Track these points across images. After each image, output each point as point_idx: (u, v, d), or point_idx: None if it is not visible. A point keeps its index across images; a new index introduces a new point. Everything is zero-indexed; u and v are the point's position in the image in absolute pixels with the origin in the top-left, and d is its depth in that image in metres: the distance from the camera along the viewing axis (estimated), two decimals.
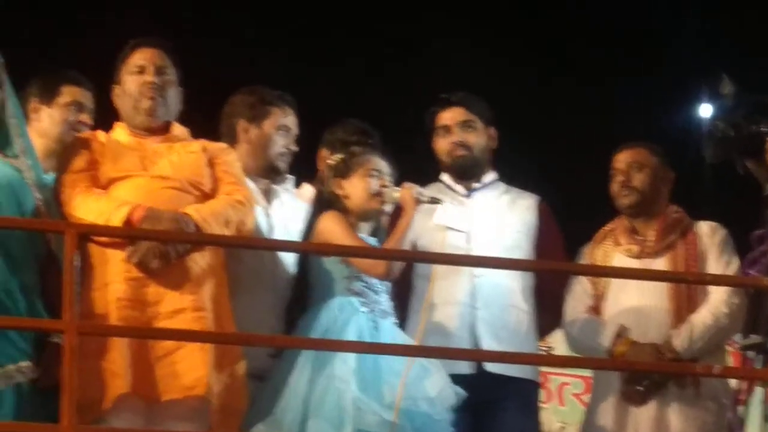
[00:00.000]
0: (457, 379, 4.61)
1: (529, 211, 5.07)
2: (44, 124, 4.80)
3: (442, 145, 5.07)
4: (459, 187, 5.08)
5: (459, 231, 4.94)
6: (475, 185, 5.08)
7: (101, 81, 4.78)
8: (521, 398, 4.92)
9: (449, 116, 5.06)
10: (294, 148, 4.94)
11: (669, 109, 7.75)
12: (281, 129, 4.91)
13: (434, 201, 4.72)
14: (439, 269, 4.76)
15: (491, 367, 4.80)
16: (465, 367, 4.77)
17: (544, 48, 7.94)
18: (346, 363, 4.36)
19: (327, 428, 4.29)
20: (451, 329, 4.83)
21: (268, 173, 4.91)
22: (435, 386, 4.43)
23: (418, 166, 5.17)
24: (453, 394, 4.47)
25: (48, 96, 4.81)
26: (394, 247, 4.55)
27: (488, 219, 5.01)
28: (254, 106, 4.91)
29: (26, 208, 4.23)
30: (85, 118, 4.84)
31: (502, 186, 5.13)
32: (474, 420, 4.74)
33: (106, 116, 4.75)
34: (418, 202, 4.64)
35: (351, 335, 4.43)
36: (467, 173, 5.07)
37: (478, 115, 5.08)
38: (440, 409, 4.45)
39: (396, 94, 7.61)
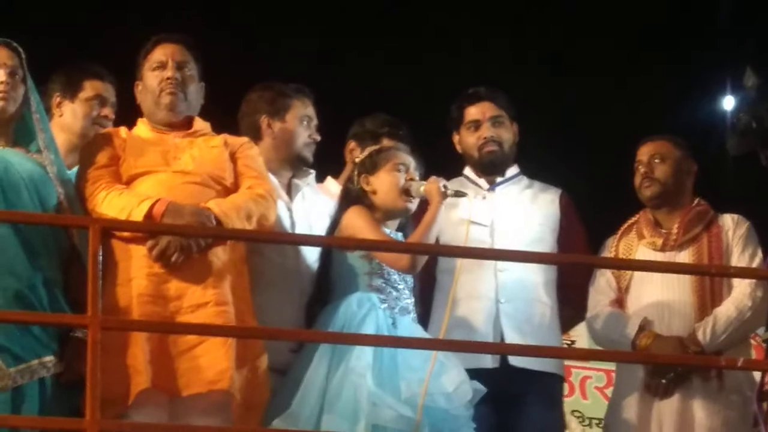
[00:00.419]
0: (481, 373, 4.62)
1: (551, 204, 5.07)
2: (67, 119, 4.82)
3: (471, 140, 5.05)
4: (482, 181, 5.08)
5: (482, 225, 4.94)
6: (498, 179, 5.08)
7: (124, 75, 4.79)
8: (545, 392, 4.92)
9: (478, 111, 5.04)
10: (317, 137, 4.94)
11: (692, 102, 7.71)
12: (304, 120, 4.92)
13: (459, 194, 4.70)
14: (463, 263, 4.75)
15: (515, 361, 4.80)
16: (489, 361, 4.77)
17: (568, 41, 7.92)
18: (362, 357, 4.36)
19: (342, 423, 4.29)
20: (476, 323, 4.83)
21: (295, 165, 4.91)
22: (452, 382, 4.43)
23: (439, 160, 5.17)
24: (470, 389, 4.46)
25: (71, 91, 4.83)
26: (420, 240, 4.55)
27: (511, 213, 5.01)
28: (274, 100, 4.92)
29: (49, 203, 4.25)
30: (108, 112, 4.86)
31: (524, 180, 5.12)
32: (498, 414, 4.75)
33: (129, 111, 4.77)
34: (444, 195, 4.63)
35: (369, 330, 4.44)
36: (496, 168, 5.07)
37: (505, 110, 5.07)
38: (458, 405, 4.44)
39: (418, 88, 7.60)
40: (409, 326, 4.57)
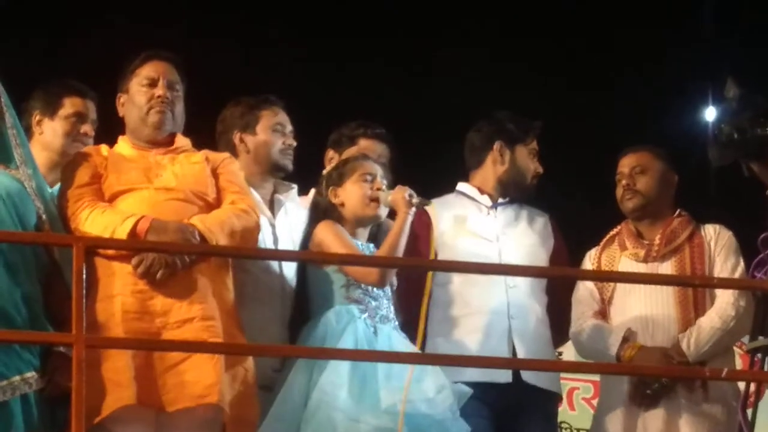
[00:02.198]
0: (494, 387, 4.67)
1: (545, 228, 5.12)
2: (47, 136, 4.80)
3: (532, 165, 5.09)
4: (485, 199, 5.09)
5: (489, 240, 4.96)
6: (500, 200, 5.10)
7: (103, 88, 4.79)
8: (546, 410, 4.97)
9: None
10: (292, 142, 4.94)
11: (674, 113, 7.73)
12: (275, 128, 4.93)
13: (424, 203, 4.72)
14: (465, 276, 4.82)
15: (527, 377, 4.83)
16: (503, 376, 4.79)
17: (546, 52, 7.93)
18: (336, 374, 4.34)
19: None
20: (490, 338, 4.85)
21: (275, 174, 4.92)
22: (433, 387, 4.42)
23: (440, 172, 5.19)
24: (452, 393, 4.45)
25: (50, 108, 4.81)
26: (389, 251, 4.55)
27: (513, 233, 5.04)
28: (243, 115, 4.94)
29: (28, 219, 4.23)
30: (87, 129, 4.84)
31: (516, 204, 5.14)
32: (498, 428, 4.76)
33: (109, 124, 4.76)
34: (410, 204, 4.63)
35: (348, 343, 4.43)
36: (519, 198, 5.10)
37: None
38: (441, 409, 4.43)
39: (411, 101, 7.61)
40: (390, 334, 4.57)
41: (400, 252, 4.58)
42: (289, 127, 4.96)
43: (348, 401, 4.32)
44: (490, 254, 4.92)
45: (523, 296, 4.92)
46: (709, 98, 7.41)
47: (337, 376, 4.34)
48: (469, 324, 4.84)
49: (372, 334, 4.51)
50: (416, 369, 4.40)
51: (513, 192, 5.09)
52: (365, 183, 4.67)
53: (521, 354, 4.84)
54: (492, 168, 5.09)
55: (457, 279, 4.89)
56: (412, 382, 4.38)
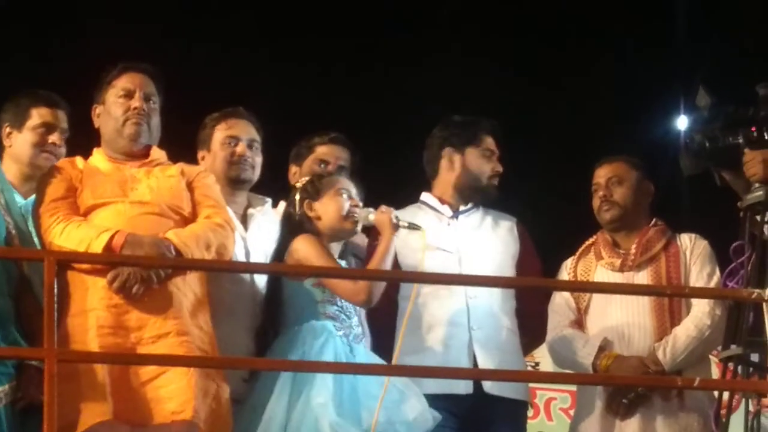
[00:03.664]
0: (453, 398, 4.65)
1: (510, 233, 5.09)
2: (15, 148, 4.78)
3: (485, 166, 5.04)
4: (445, 209, 5.07)
5: (448, 252, 4.94)
6: (462, 208, 5.08)
7: (79, 98, 4.76)
8: (513, 419, 4.94)
9: (494, 144, 5.07)
10: (244, 152, 4.90)
11: (646, 122, 7.76)
12: (226, 142, 4.92)
13: (413, 227, 4.71)
14: (431, 290, 4.77)
15: (489, 387, 4.81)
16: (463, 387, 4.77)
17: (517, 60, 7.94)
18: (323, 388, 4.33)
19: None
20: (450, 349, 4.82)
21: (233, 186, 4.89)
22: (413, 410, 4.41)
23: (399, 180, 5.17)
24: (431, 417, 4.44)
25: (18, 120, 4.79)
26: (370, 282, 4.51)
27: (475, 240, 5.01)
28: (203, 132, 4.98)
29: None
30: (56, 138, 4.80)
31: (481, 209, 5.12)
32: None
33: (84, 134, 4.73)
34: (396, 227, 4.63)
35: (328, 359, 4.41)
36: (481, 200, 5.07)
37: None
38: None
39: (384, 107, 7.61)
40: (365, 354, 4.56)
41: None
42: (245, 137, 4.94)
43: (334, 416, 4.30)
44: (449, 266, 4.88)
45: (486, 306, 4.89)
46: (680, 107, 7.44)
47: (325, 390, 4.32)
48: (429, 337, 4.81)
49: (349, 353, 4.50)
50: (396, 391, 4.39)
51: (472, 197, 5.05)
52: (341, 198, 4.66)
53: (483, 365, 4.81)
54: (446, 175, 5.07)
55: (423, 292, 4.85)
56: (393, 403, 4.37)
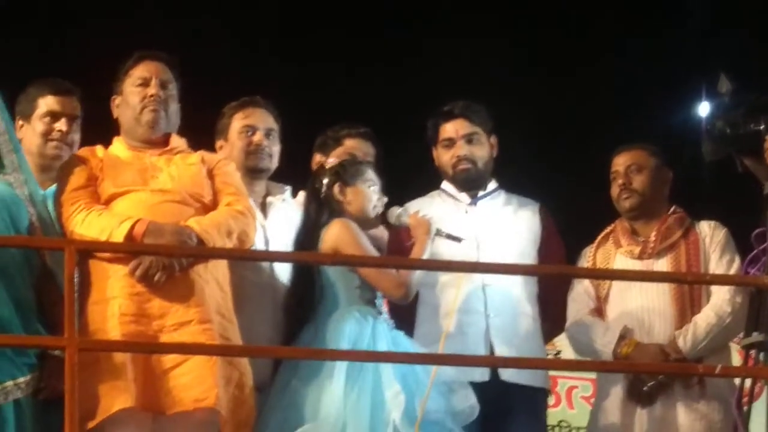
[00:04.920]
0: (474, 386, 4.63)
1: (532, 218, 5.08)
2: (26, 141, 4.75)
3: (446, 158, 5.05)
4: (462, 196, 5.07)
5: (463, 241, 4.94)
6: (480, 193, 5.08)
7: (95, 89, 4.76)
8: (531, 406, 4.93)
9: (452, 129, 5.03)
10: (261, 142, 4.92)
11: (668, 108, 7.73)
12: (244, 131, 4.93)
13: (452, 238, 4.71)
14: (451, 278, 4.78)
15: (506, 374, 4.81)
16: (480, 375, 4.76)
17: (540, 49, 7.93)
18: (392, 377, 4.32)
19: None
20: (467, 337, 4.82)
21: (252, 175, 4.90)
22: (463, 401, 4.44)
23: (417, 172, 5.17)
24: (477, 410, 4.47)
25: (27, 112, 4.77)
26: (409, 274, 4.52)
27: (494, 227, 5.01)
28: (221, 121, 4.99)
29: (20, 224, 4.22)
30: (62, 125, 4.76)
31: (503, 194, 5.12)
32: (483, 427, 4.74)
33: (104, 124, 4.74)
34: (437, 233, 4.65)
35: (382, 346, 4.41)
36: (472, 185, 5.07)
37: (480, 126, 5.06)
38: (460, 424, 4.44)
39: (397, 100, 7.60)
40: (403, 339, 4.56)
41: (419, 274, 4.57)
42: (263, 127, 4.95)
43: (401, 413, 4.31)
44: (466, 253, 4.87)
45: (504, 293, 4.89)
46: (702, 94, 7.40)
47: (395, 383, 4.33)
48: (446, 325, 4.78)
49: (392, 338, 4.50)
50: (442, 383, 4.41)
51: (465, 185, 5.04)
52: (371, 190, 4.67)
53: (501, 352, 4.82)
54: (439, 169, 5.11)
55: (440, 280, 4.86)
56: (443, 393, 4.39)
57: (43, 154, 4.71)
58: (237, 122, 4.95)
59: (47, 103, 4.78)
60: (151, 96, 4.52)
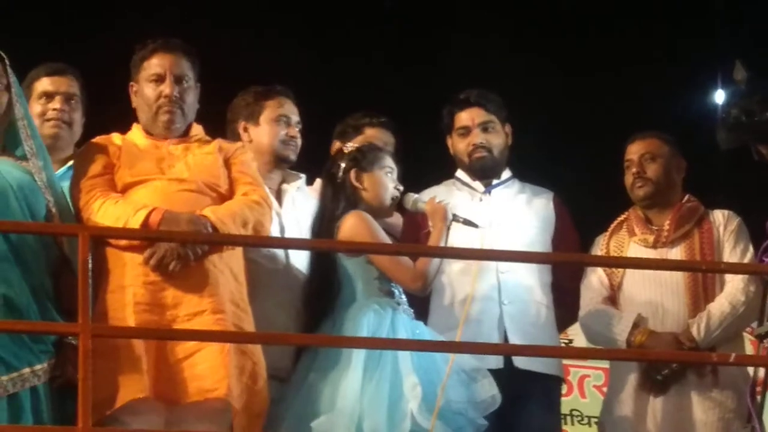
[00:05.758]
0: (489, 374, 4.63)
1: (546, 207, 5.09)
2: None
3: (462, 146, 5.06)
4: (477, 184, 5.07)
5: (480, 227, 4.94)
6: (494, 182, 5.08)
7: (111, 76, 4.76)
8: (545, 394, 4.94)
9: (468, 117, 5.04)
10: (296, 134, 4.93)
11: (683, 96, 7.71)
12: (279, 120, 4.92)
13: (469, 223, 4.70)
14: (466, 266, 4.78)
15: (520, 362, 4.81)
16: (494, 362, 4.76)
17: (556, 37, 7.91)
18: (411, 367, 4.32)
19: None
20: (481, 324, 4.82)
21: (277, 165, 4.91)
22: (485, 391, 4.44)
23: (435, 162, 5.17)
24: (495, 399, 4.47)
25: (28, 96, 4.78)
26: (427, 264, 4.51)
27: (508, 216, 5.01)
28: (249, 105, 4.95)
29: (37, 211, 4.23)
30: (56, 104, 4.79)
31: (517, 183, 5.13)
32: (497, 415, 4.75)
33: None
34: (454, 219, 4.63)
35: (402, 335, 4.41)
36: (488, 173, 5.07)
37: (495, 114, 5.06)
38: (481, 414, 4.44)
39: (416, 89, 7.59)
40: (424, 329, 4.56)
41: (437, 263, 4.57)
42: (294, 119, 4.95)
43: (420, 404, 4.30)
44: (480, 242, 4.85)
45: (518, 281, 4.89)
46: (717, 81, 7.38)
47: (413, 374, 4.32)
48: (461, 312, 4.79)
49: (413, 328, 4.49)
50: (464, 372, 4.41)
51: (481, 174, 5.05)
52: (388, 177, 4.66)
53: (514, 340, 4.82)
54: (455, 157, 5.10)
55: (454, 268, 4.86)
56: (463, 383, 4.39)
57: (42, 135, 4.71)
58: (270, 110, 4.92)
59: (41, 84, 4.83)
60: (166, 97, 4.50)
